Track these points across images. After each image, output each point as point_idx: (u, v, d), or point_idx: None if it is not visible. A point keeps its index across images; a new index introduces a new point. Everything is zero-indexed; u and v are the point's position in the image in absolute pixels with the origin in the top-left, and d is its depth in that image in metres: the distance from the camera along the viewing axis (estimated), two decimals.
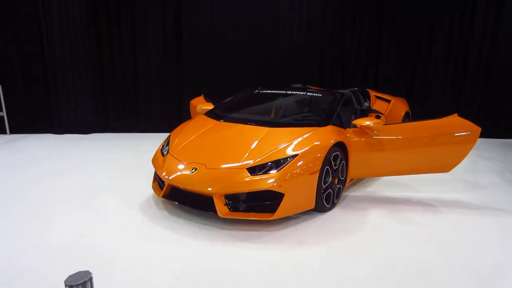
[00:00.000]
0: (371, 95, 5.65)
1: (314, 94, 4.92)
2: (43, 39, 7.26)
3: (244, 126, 4.23)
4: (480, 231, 3.62)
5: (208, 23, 7.64)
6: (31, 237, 3.38)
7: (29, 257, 3.04)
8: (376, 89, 6.65)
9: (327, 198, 3.88)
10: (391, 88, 7.21)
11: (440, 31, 7.50)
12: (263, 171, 3.51)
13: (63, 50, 7.30)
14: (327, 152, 3.74)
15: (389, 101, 5.83)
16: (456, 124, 4.03)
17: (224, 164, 3.64)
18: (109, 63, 7.71)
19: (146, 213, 3.89)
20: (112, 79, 7.78)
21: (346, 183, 4.26)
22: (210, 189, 3.47)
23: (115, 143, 6.96)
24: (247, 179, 3.46)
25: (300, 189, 3.60)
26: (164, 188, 3.83)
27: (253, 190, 3.44)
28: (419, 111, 7.27)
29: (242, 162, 3.60)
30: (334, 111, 4.35)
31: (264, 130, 4.04)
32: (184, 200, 3.76)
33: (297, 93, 5.11)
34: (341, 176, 4.08)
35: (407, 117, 6.04)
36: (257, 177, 3.46)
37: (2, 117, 7.35)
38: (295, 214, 3.76)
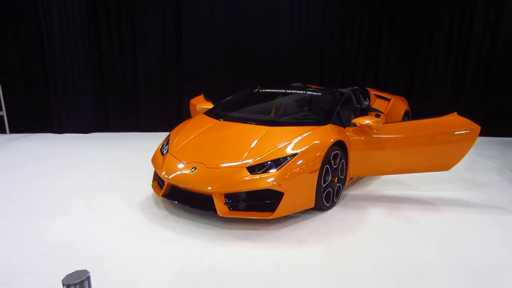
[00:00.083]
0: (370, 94, 5.65)
1: (314, 93, 4.92)
2: (43, 38, 7.27)
3: (244, 125, 4.23)
4: (479, 230, 3.62)
5: (208, 23, 7.64)
6: (31, 237, 3.38)
7: (28, 257, 3.04)
8: (376, 89, 6.64)
9: (326, 197, 3.87)
10: (391, 88, 7.20)
11: (440, 31, 7.50)
12: (263, 170, 3.50)
13: (63, 49, 7.30)
14: (327, 151, 3.74)
15: (388, 99, 5.83)
16: (455, 123, 4.03)
17: (223, 163, 3.64)
18: (109, 62, 7.71)
19: (145, 212, 3.89)
20: (112, 79, 7.79)
21: (346, 181, 4.26)
22: (209, 188, 3.47)
23: (115, 143, 6.96)
24: (246, 178, 3.46)
25: (300, 188, 3.59)
26: (164, 187, 3.83)
27: (253, 189, 3.44)
28: (419, 111, 7.27)
29: (241, 161, 3.60)
30: (334, 110, 4.35)
31: (264, 129, 4.04)
32: (183, 199, 3.76)
33: (296, 92, 5.11)
34: (341, 175, 4.08)
35: (407, 116, 6.04)
36: (256, 176, 3.46)
37: (2, 116, 7.36)
38: (295, 213, 3.76)
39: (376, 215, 3.89)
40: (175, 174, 3.71)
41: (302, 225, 3.63)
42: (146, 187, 4.48)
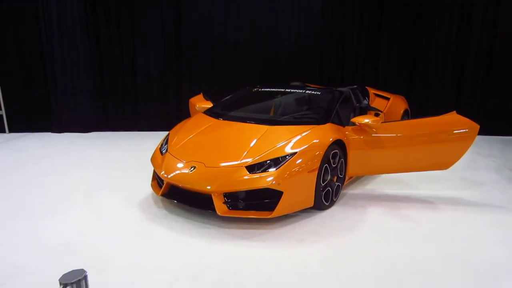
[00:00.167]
0: (370, 93, 5.65)
1: (313, 92, 4.92)
2: (42, 38, 7.26)
3: (243, 124, 4.23)
4: (479, 228, 3.63)
5: (208, 23, 7.63)
6: (30, 236, 3.37)
7: (27, 256, 3.04)
8: (375, 88, 6.64)
9: (326, 196, 3.87)
10: (391, 88, 7.19)
11: (440, 31, 7.49)
12: (262, 169, 3.50)
13: (62, 49, 7.29)
14: (326, 150, 3.74)
15: (388, 98, 5.82)
16: (454, 122, 4.03)
17: (223, 162, 3.64)
18: (108, 62, 7.70)
19: (145, 211, 3.89)
20: (112, 78, 7.77)
21: (345, 181, 4.26)
22: (209, 187, 3.47)
23: (115, 142, 6.96)
24: (246, 177, 3.46)
25: (299, 187, 3.59)
26: (163, 186, 3.83)
27: (252, 188, 3.44)
28: (419, 111, 7.27)
29: (241, 160, 3.60)
30: (333, 109, 4.34)
31: (263, 128, 4.04)
32: (183, 199, 3.76)
33: (296, 91, 5.11)
34: (340, 174, 4.08)
35: (406, 115, 6.04)
36: (256, 175, 3.46)
37: (1, 115, 7.35)
38: (294, 212, 3.76)
39: (375, 214, 3.89)
40: (174, 173, 3.71)
41: (301, 224, 3.63)
42: (146, 187, 4.47)
